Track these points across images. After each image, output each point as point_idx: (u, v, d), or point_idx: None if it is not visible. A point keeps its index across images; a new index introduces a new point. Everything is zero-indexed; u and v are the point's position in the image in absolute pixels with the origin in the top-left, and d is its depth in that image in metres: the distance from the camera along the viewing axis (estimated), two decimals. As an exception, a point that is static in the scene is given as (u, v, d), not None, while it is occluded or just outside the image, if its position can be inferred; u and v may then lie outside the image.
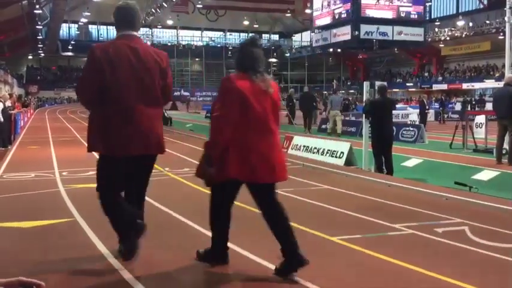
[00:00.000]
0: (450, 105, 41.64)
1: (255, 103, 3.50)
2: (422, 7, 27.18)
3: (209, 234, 4.90)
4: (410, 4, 26.44)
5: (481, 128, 14.21)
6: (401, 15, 26.53)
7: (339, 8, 27.39)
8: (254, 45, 3.71)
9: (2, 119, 13.56)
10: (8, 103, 15.53)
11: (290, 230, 3.67)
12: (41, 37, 47.14)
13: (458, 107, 38.13)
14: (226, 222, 3.80)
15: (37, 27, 40.02)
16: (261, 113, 3.52)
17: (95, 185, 7.67)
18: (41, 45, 52.53)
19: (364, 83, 9.80)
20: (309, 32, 53.34)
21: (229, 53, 69.17)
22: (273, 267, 3.87)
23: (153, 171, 9.59)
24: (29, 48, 54.45)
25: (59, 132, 19.01)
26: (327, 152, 11.07)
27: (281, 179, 3.75)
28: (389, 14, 26.30)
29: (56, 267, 3.98)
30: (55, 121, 27.38)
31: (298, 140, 12.64)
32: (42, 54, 58.93)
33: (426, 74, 56.14)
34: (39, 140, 15.61)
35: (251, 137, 3.52)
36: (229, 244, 3.99)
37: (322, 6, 29.17)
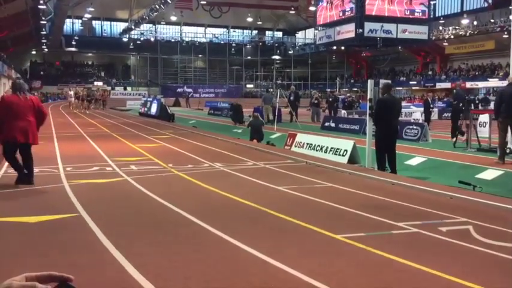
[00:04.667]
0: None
1: (16, 107, 7.16)
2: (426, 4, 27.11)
3: (209, 228, 4.92)
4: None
5: (484, 127, 14.17)
6: (406, 13, 26.48)
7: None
8: (19, 79, 7.36)
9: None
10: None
11: (31, 168, 7.42)
12: (44, 32, 47.11)
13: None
14: (16, 162, 7.42)
15: (41, 22, 40.00)
16: (18, 111, 7.16)
17: (99, 181, 7.72)
18: (45, 41, 52.50)
19: (369, 81, 9.77)
20: (312, 29, 53.26)
21: (233, 49, 69.22)
22: (274, 262, 3.88)
23: (157, 167, 9.64)
24: (33, 43, 54.48)
25: (63, 128, 19.04)
26: (331, 150, 11.06)
27: (31, 142, 7.36)
28: (394, 12, 26.23)
29: (60, 262, 3.99)
30: (58, 116, 27.41)
31: (302, 137, 12.63)
32: (46, 50, 58.87)
33: (430, 73, 55.99)
34: (42, 135, 15.54)
35: (13, 122, 7.14)
36: (231, 240, 3.97)
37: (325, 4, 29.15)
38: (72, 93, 37.10)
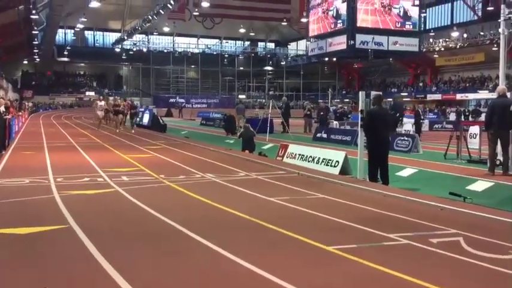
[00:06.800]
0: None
1: None
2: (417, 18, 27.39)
3: (200, 239, 4.90)
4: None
5: (475, 138, 14.28)
6: (397, 25, 26.70)
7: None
8: None
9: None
10: (2, 108, 15.45)
11: None
12: (36, 42, 47.02)
13: (452, 117, 38.36)
14: None
15: (33, 32, 39.94)
16: None
17: (90, 192, 7.69)
18: (37, 51, 52.38)
19: (360, 92, 9.82)
20: (304, 40, 53.52)
21: (225, 60, 69.47)
22: (265, 274, 3.87)
23: (149, 178, 9.60)
24: (25, 53, 54.31)
25: (54, 138, 18.94)
26: (322, 161, 11.08)
27: None
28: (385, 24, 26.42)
29: (50, 274, 3.96)
30: (50, 127, 27.29)
31: (294, 148, 12.66)
32: (38, 60, 58.75)
33: (421, 84, 56.48)
34: (33, 146, 15.55)
35: None
36: (222, 251, 3.97)
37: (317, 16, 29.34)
38: (102, 104, 24.97)
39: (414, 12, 26.91)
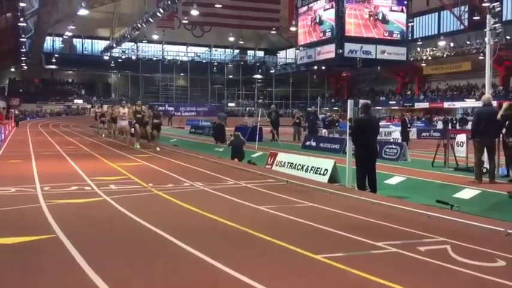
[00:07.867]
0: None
1: None
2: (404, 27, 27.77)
3: (188, 248, 4.87)
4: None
5: (462, 146, 14.40)
6: (385, 34, 27.01)
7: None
8: None
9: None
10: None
11: None
12: (24, 50, 46.74)
13: (440, 125, 38.73)
14: None
15: (21, 39, 39.73)
16: None
17: (77, 201, 7.63)
18: (24, 58, 52.06)
19: (348, 101, 9.89)
20: (293, 49, 53.82)
21: (215, 68, 69.58)
22: (254, 283, 3.85)
23: (137, 186, 9.54)
24: (12, 60, 53.93)
25: (41, 146, 18.77)
26: (311, 169, 11.11)
27: None
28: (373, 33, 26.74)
29: (36, 285, 3.91)
30: (37, 135, 27.04)
31: (283, 156, 12.68)
32: (25, 67, 58.35)
33: (408, 93, 56.97)
34: (20, 154, 15.39)
35: None
36: (210, 261, 3.94)
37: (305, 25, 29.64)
38: (125, 111, 19.12)
39: (391, 16, 27.28)
